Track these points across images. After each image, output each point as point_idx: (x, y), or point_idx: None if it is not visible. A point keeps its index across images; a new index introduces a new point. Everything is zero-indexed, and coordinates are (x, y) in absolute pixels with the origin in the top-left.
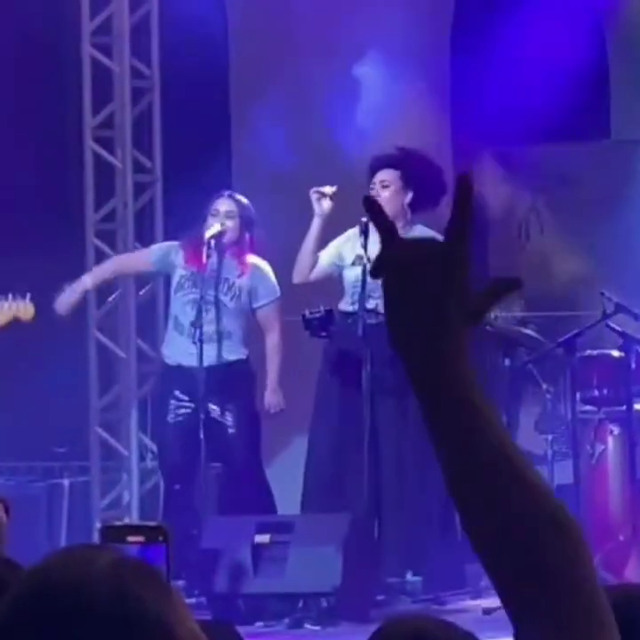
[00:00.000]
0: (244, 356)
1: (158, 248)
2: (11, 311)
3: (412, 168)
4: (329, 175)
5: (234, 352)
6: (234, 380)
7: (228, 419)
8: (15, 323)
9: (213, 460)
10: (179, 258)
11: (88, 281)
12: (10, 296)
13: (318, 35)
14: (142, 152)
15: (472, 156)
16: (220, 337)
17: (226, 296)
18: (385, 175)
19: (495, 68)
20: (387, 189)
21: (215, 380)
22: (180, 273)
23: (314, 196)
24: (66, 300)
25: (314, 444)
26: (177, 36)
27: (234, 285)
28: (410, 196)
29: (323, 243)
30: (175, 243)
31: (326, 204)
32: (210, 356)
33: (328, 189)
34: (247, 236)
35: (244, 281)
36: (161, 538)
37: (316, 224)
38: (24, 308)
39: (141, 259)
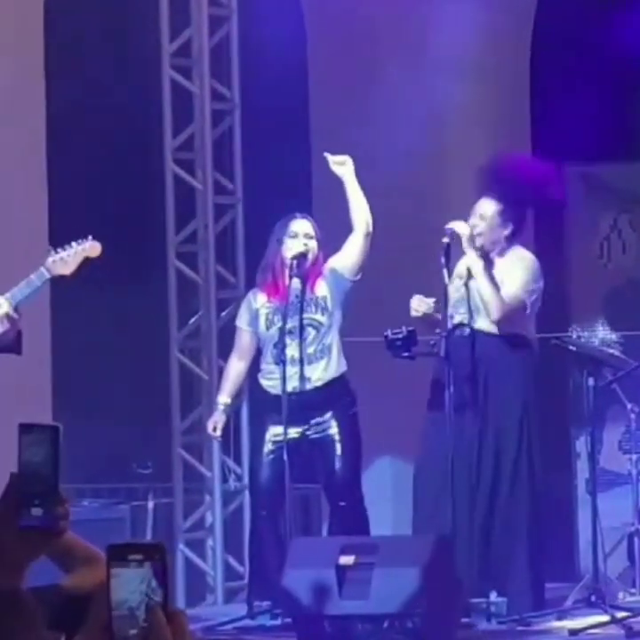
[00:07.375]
0: (343, 371)
1: (243, 317)
2: (79, 254)
3: (513, 203)
4: (407, 198)
5: (336, 369)
6: (334, 399)
7: (335, 438)
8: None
9: (315, 480)
10: (258, 301)
11: (225, 398)
12: (73, 242)
13: (399, 55)
14: (223, 174)
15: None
16: (321, 356)
17: (316, 314)
18: (484, 208)
19: (576, 83)
20: (484, 222)
21: (320, 400)
22: (264, 312)
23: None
24: (215, 420)
25: (423, 466)
26: (257, 58)
27: (318, 300)
28: (510, 229)
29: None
30: (248, 295)
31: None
32: (314, 378)
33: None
34: (321, 258)
35: (323, 292)
36: (157, 556)
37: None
38: (91, 247)
39: (243, 339)
